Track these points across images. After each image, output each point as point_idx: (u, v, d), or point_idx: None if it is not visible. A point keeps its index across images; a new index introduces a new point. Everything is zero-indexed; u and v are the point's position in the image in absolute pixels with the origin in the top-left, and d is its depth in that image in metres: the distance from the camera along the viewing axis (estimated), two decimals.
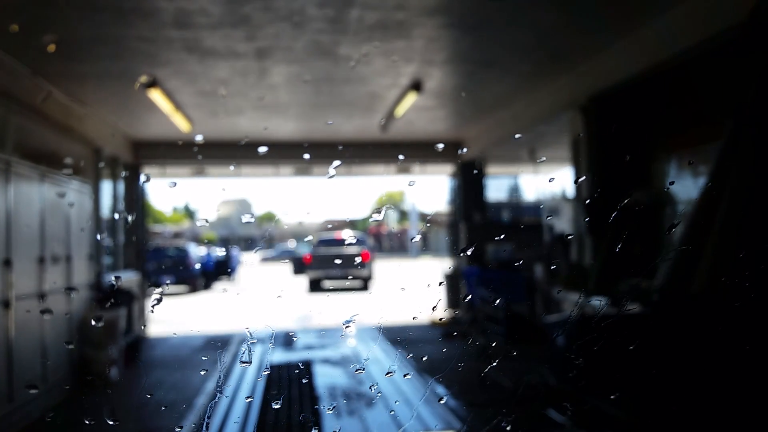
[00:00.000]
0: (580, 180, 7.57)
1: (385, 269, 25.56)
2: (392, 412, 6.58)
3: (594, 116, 6.89)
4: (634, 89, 6.45)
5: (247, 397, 7.09)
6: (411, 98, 7.95)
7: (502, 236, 10.99)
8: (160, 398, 6.90)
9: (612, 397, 4.44)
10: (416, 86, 7.57)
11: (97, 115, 8.83)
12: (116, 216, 10.56)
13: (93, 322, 7.81)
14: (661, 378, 4.24)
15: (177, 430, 5.01)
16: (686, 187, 6.37)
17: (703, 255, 4.83)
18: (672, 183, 6.80)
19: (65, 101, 7.64)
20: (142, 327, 11.05)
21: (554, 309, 6.94)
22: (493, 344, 5.72)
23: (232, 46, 6.09)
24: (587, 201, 6.98)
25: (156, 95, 7.73)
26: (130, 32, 5.78)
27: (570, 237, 8.28)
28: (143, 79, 7.40)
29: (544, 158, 13.00)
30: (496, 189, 14.42)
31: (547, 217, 16.70)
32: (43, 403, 6.31)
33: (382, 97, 8.18)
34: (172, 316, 13.70)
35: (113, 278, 10.19)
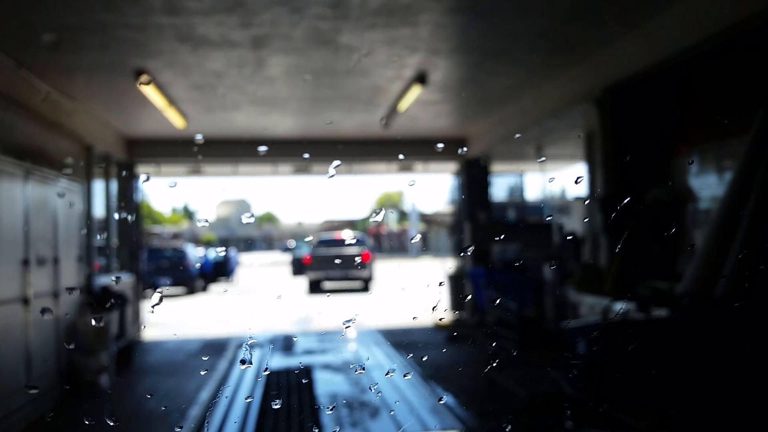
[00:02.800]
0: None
1: (385, 270, 25.23)
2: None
3: (609, 109, 6.53)
4: (652, 80, 6.10)
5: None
6: (415, 91, 7.59)
7: (508, 236, 10.63)
8: (153, 407, 6.55)
9: (635, 406, 4.10)
10: (421, 78, 7.21)
11: (87, 110, 8.47)
12: (110, 216, 10.20)
13: (82, 327, 7.44)
14: (691, 387, 3.90)
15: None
16: (709, 183, 6.02)
17: (731, 256, 4.49)
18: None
19: (53, 95, 7.28)
20: (137, 331, 10.70)
21: (566, 312, 6.59)
22: (507, 350, 5.35)
23: (226, 34, 5.73)
24: (602, 199, 6.62)
25: (148, 89, 7.37)
26: (118, 19, 5.42)
27: (570, 237, 7.92)
28: (144, 78, 7.07)
29: (544, 158, 12.69)
30: (501, 187, 14.07)
31: (548, 216, 16.34)
32: (28, 414, 5.94)
33: (385, 90, 7.82)
34: (168, 319, 13.35)
35: (113, 279, 9.87)
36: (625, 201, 6.03)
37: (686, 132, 6.26)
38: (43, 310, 6.69)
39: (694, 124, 6.14)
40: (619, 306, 4.82)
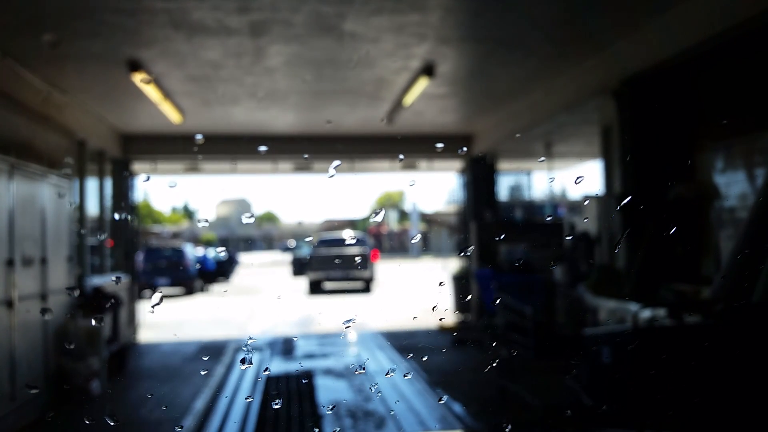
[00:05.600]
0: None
1: (385, 270, 24.91)
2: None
3: (628, 102, 6.17)
4: (675, 71, 5.74)
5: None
6: (422, 84, 7.23)
7: (516, 236, 10.27)
8: (146, 415, 6.20)
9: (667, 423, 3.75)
10: (428, 70, 6.86)
11: (79, 103, 8.10)
12: (104, 214, 9.85)
13: (72, 330, 7.10)
14: (729, 401, 3.55)
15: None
16: (737, 180, 5.66)
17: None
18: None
19: (41, 86, 6.92)
20: (132, 333, 10.36)
21: (583, 317, 6.23)
22: (521, 357, 4.99)
23: (223, 20, 5.37)
24: (620, 197, 6.27)
25: (142, 81, 7.01)
26: (108, 3, 5.07)
27: (582, 237, 7.56)
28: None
29: (544, 158, 12.35)
30: (508, 186, 13.71)
31: (547, 216, 15.96)
32: (10, 424, 5.59)
33: (390, 82, 7.46)
34: (165, 321, 12.98)
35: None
36: (648, 201, 5.71)
37: (711, 126, 5.91)
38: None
39: (720, 117, 5.79)
40: (647, 311, 4.46)
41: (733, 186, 5.68)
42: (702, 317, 4.11)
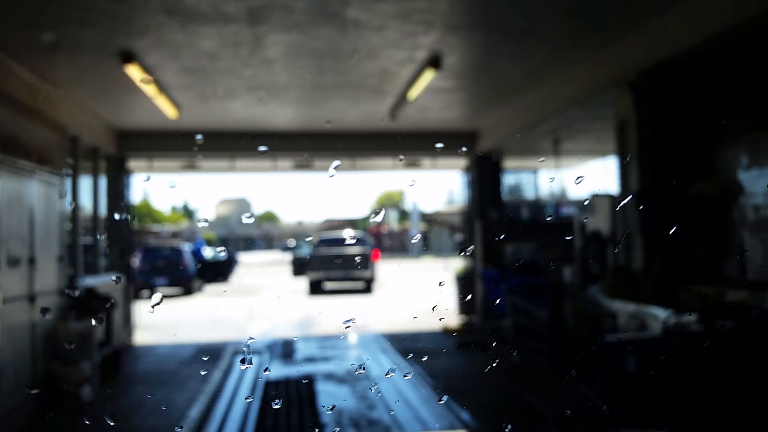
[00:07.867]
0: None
1: (386, 270, 24.63)
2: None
3: (646, 95, 5.86)
4: (696, 61, 5.44)
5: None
6: (427, 77, 6.92)
7: (522, 236, 9.98)
8: (140, 422, 5.91)
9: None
10: (434, 62, 6.55)
11: (72, 97, 7.79)
12: (98, 212, 9.54)
13: (63, 334, 6.80)
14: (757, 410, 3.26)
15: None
16: (763, 176, 5.36)
17: None
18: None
19: (30, 78, 6.61)
20: (127, 336, 10.06)
21: (600, 321, 5.93)
22: (534, 363, 4.68)
23: (218, 5, 5.06)
24: (638, 195, 5.96)
25: (137, 73, 6.70)
26: None
27: (576, 235, 7.25)
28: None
29: (543, 159, 12.07)
30: (514, 184, 13.40)
31: (548, 216, 15.65)
32: None
33: (394, 75, 7.14)
34: (161, 322, 12.67)
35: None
36: (668, 198, 5.41)
37: (735, 120, 5.60)
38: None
39: (744, 110, 5.48)
40: (673, 317, 4.16)
41: (758, 183, 5.38)
42: (735, 323, 3.82)
